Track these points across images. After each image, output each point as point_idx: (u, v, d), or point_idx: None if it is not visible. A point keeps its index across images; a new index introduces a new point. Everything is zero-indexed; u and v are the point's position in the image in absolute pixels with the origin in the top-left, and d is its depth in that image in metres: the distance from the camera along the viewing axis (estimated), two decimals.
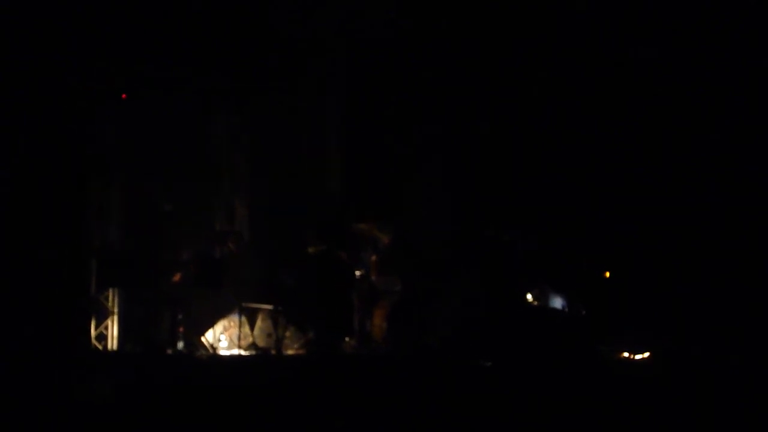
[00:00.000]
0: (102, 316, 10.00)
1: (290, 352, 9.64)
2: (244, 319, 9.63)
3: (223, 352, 9.65)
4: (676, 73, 10.26)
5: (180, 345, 9.53)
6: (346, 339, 9.66)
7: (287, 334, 9.64)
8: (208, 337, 9.72)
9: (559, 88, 10.62)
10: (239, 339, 9.61)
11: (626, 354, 9.47)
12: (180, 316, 9.59)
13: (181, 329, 9.58)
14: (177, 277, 9.55)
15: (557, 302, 9.72)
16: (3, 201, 9.22)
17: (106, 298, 10.09)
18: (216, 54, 10.31)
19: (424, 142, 11.13)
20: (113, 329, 10.11)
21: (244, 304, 9.60)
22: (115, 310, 10.11)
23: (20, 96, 9.16)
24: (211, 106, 10.91)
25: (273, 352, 9.44)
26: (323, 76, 11.23)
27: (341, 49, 11.07)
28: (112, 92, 9.74)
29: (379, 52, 10.83)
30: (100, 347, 9.83)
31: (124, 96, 9.10)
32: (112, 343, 10.04)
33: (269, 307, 9.65)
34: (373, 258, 9.85)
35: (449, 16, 10.52)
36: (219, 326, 9.79)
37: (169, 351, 9.35)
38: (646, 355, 9.42)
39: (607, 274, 10.17)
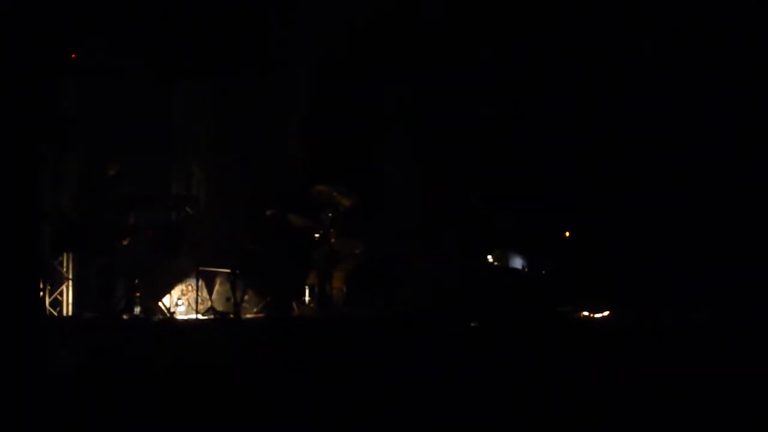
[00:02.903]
0: (57, 282, 9.85)
1: (249, 315, 9.55)
2: (202, 283, 9.53)
3: (180, 317, 9.53)
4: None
5: (137, 310, 9.39)
6: (306, 301, 9.57)
7: (246, 297, 9.54)
8: (166, 302, 9.59)
9: (528, 56, 10.54)
10: (197, 303, 9.50)
11: (586, 313, 9.46)
12: (137, 281, 9.44)
13: (137, 294, 9.43)
14: (126, 241, 9.32)
15: (517, 263, 9.70)
16: None
17: (61, 264, 9.93)
18: (177, 21, 10.09)
19: (392, 105, 11.02)
20: (68, 295, 9.97)
21: (201, 268, 9.47)
22: (70, 275, 9.97)
23: None
24: (171, 72, 10.70)
25: (231, 316, 9.33)
26: (287, 44, 11.05)
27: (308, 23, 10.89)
28: (68, 54, 9.46)
29: (346, 23, 10.66)
30: (55, 313, 9.68)
31: (74, 56, 8.83)
32: (68, 309, 9.90)
33: (227, 270, 9.53)
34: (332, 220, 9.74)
35: None
36: (177, 291, 9.68)
37: (126, 316, 9.20)
38: (606, 313, 9.42)
39: (567, 234, 10.15)
